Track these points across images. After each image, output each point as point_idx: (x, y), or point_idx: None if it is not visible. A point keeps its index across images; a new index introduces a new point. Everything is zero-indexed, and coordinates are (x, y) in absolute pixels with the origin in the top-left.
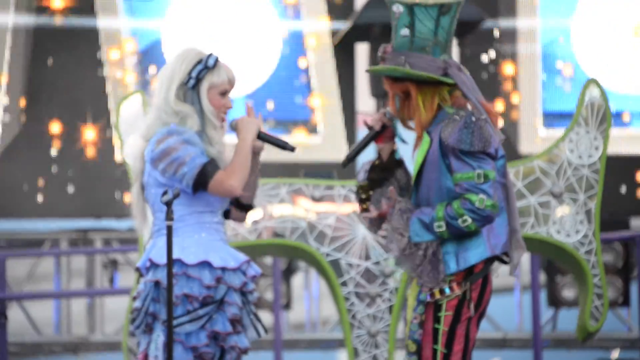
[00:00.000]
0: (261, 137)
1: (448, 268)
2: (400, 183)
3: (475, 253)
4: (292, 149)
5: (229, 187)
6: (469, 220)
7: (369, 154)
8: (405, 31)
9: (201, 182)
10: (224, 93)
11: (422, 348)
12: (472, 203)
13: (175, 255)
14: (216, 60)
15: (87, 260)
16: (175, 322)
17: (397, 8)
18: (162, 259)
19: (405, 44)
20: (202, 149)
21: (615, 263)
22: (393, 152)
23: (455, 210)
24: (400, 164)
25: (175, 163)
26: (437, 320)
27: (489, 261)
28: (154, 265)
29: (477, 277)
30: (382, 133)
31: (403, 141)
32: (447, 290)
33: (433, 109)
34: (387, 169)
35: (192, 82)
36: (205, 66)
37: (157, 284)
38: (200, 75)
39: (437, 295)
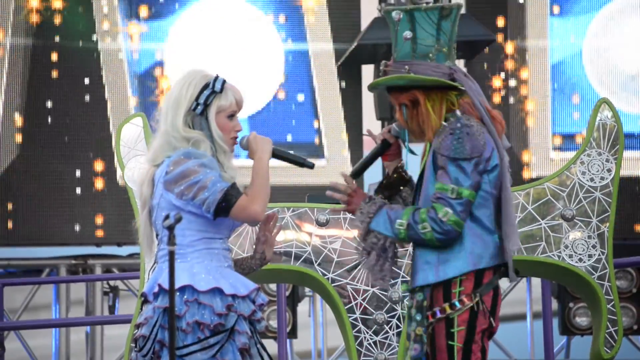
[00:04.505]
0: (277, 154)
1: (426, 279)
2: (406, 201)
3: (455, 266)
4: (311, 165)
5: (253, 213)
6: (428, 229)
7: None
8: (407, 34)
9: (224, 207)
10: (232, 115)
11: None
12: (437, 213)
13: (185, 282)
14: (223, 83)
15: (87, 288)
16: (186, 351)
17: (397, 14)
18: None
19: (408, 53)
20: (220, 173)
21: (630, 288)
22: (397, 169)
23: (420, 216)
24: (407, 181)
25: (195, 187)
26: (450, 336)
27: (497, 272)
28: (163, 291)
29: (487, 289)
30: (388, 150)
31: (412, 152)
32: (457, 304)
33: (442, 114)
34: (391, 187)
35: (200, 108)
36: (212, 91)
37: (166, 310)
38: (208, 101)
39: (448, 310)
